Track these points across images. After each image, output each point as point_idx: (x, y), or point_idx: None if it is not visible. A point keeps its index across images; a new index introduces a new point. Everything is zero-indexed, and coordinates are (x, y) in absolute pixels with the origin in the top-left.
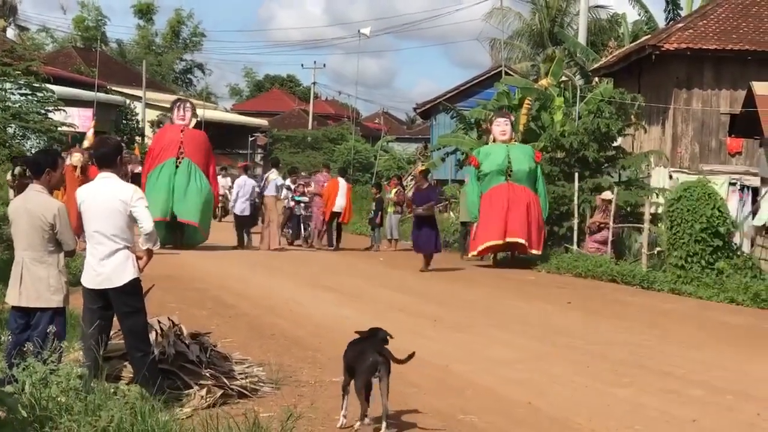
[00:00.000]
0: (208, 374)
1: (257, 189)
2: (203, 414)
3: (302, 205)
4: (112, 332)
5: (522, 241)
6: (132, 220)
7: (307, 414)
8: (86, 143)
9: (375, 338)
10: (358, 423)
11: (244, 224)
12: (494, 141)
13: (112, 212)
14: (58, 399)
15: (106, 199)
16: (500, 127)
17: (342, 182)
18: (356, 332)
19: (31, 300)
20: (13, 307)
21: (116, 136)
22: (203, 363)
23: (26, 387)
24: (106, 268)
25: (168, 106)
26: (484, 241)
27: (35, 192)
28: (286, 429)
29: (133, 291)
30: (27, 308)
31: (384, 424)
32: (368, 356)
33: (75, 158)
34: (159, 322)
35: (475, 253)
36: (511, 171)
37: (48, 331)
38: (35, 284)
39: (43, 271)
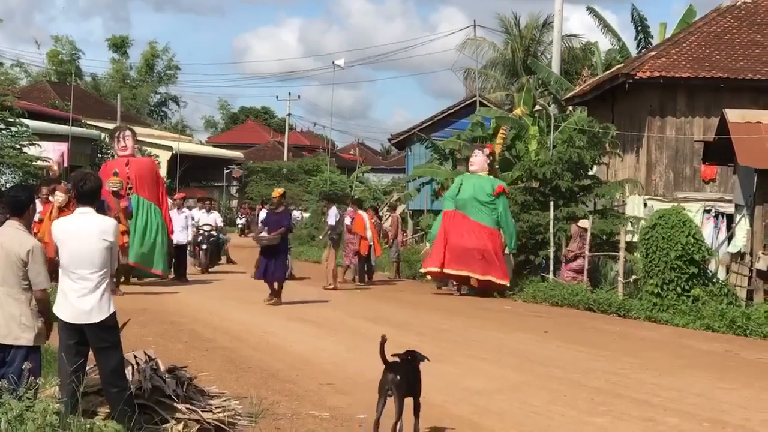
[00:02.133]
0: (184, 409)
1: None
2: None
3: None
4: (87, 367)
5: (464, 273)
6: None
7: None
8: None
9: (407, 359)
10: None
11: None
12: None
13: (96, 249)
14: None
15: (88, 235)
16: (471, 158)
17: (364, 215)
18: (393, 355)
19: (1, 336)
20: None
21: (92, 170)
22: (180, 397)
23: (2, 424)
24: (86, 304)
25: (143, 139)
26: (429, 266)
27: (12, 228)
28: None
29: (110, 325)
30: (1, 345)
31: None
32: (382, 375)
33: (60, 198)
34: (135, 356)
35: (424, 271)
36: (458, 199)
37: (23, 368)
38: (7, 321)
39: (15, 308)
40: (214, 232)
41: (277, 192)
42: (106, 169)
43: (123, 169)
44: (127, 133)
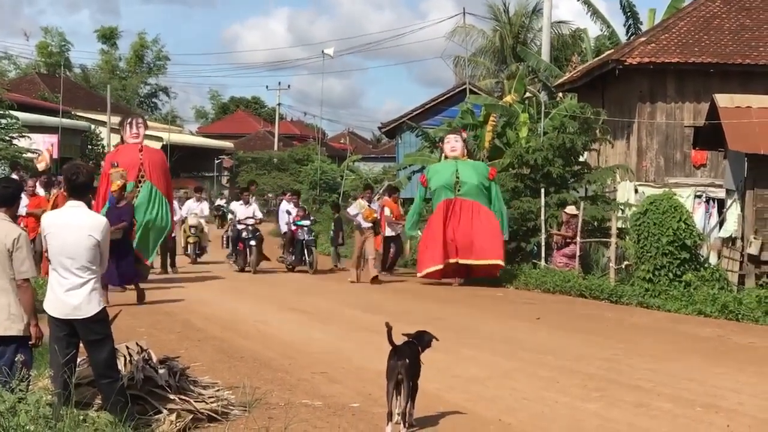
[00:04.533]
0: (177, 399)
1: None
2: None
3: (305, 229)
4: (80, 359)
5: (472, 261)
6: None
7: None
8: (42, 166)
9: (409, 342)
10: (388, 426)
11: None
12: (445, 158)
13: (84, 247)
14: (27, 427)
15: (76, 232)
16: (450, 143)
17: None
18: (403, 334)
19: None
20: None
21: (82, 161)
22: (172, 388)
23: None
24: (74, 299)
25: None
26: (430, 266)
27: None
28: None
29: (100, 319)
30: None
31: (402, 425)
32: (389, 360)
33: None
34: (127, 347)
35: (421, 275)
36: (459, 186)
37: (15, 359)
38: None
39: (3, 299)
40: (256, 226)
41: (116, 185)
42: (118, 153)
43: (136, 155)
44: (140, 121)
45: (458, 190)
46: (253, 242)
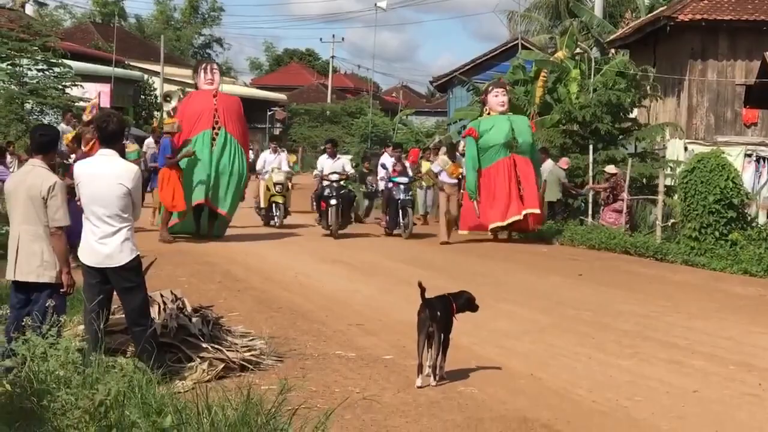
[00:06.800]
0: (210, 348)
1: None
2: (201, 387)
3: (402, 187)
4: (115, 306)
5: (536, 211)
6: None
7: (307, 386)
8: (86, 117)
9: (441, 296)
10: (418, 378)
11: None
12: (489, 113)
13: (115, 195)
14: (57, 372)
15: (106, 180)
16: (499, 98)
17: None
18: (447, 294)
19: (23, 274)
20: (12, 282)
21: (135, 111)
22: (205, 336)
23: (26, 361)
24: (106, 248)
25: (187, 81)
26: (500, 219)
27: (35, 166)
28: (279, 401)
29: (132, 268)
30: (26, 283)
31: (432, 377)
32: (420, 314)
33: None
34: (162, 295)
35: (488, 232)
36: (516, 143)
37: (47, 305)
38: (29, 259)
39: (37, 246)
40: (343, 183)
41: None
42: (191, 100)
43: (210, 102)
44: (215, 67)
45: (514, 147)
46: (334, 201)
